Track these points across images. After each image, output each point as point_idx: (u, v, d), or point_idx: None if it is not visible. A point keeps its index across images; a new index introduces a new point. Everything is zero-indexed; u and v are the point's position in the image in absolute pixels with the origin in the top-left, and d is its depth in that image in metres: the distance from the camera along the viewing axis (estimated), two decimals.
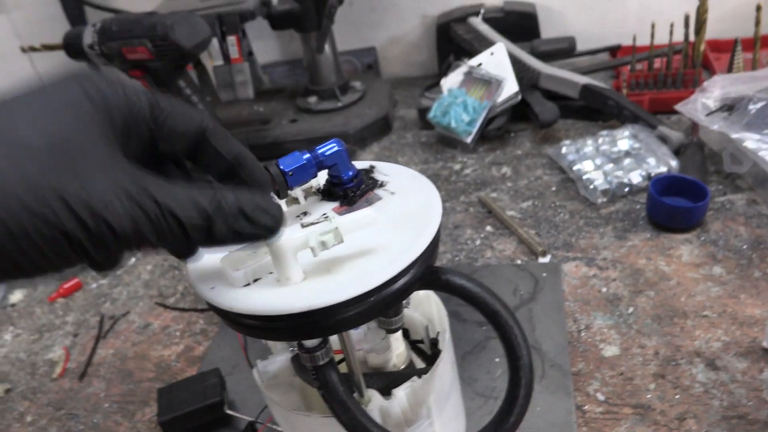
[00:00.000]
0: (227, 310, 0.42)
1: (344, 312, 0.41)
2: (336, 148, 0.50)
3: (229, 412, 0.74)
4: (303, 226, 0.44)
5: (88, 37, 1.05)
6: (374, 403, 0.50)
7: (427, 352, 0.60)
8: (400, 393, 0.50)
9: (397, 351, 0.56)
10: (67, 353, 0.92)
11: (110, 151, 0.32)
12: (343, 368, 0.51)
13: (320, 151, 0.50)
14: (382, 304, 0.43)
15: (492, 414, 0.56)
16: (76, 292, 1.05)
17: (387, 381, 0.52)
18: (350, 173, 0.52)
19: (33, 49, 1.25)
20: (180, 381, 0.78)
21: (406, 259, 0.42)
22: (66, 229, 0.29)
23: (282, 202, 0.51)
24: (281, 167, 0.48)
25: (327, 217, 0.44)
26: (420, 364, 0.59)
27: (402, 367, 0.57)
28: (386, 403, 0.50)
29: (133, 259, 1.10)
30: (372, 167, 0.55)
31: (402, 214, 0.47)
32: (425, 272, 0.45)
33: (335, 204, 0.52)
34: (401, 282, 0.43)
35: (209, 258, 0.47)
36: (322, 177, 0.53)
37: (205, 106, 1.10)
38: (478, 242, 0.97)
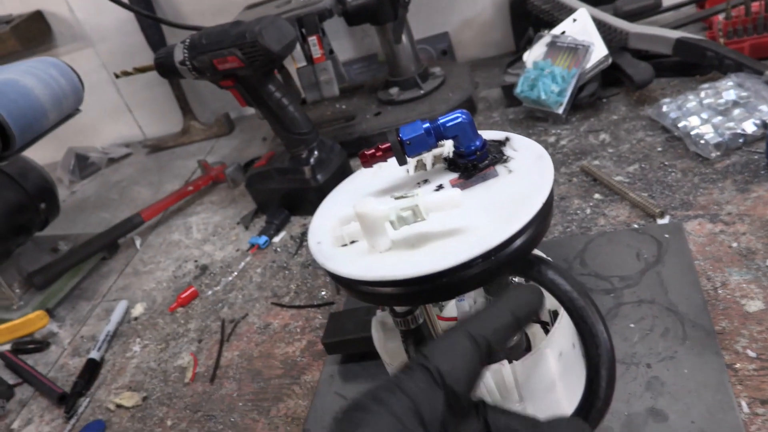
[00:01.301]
0: (320, 263, 0.47)
1: (416, 286, 0.42)
2: (460, 119, 0.50)
3: None
4: (395, 199, 0.45)
5: (179, 54, 1.09)
6: None
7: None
8: (485, 373, 0.49)
9: None
10: (195, 359, 0.96)
11: None
12: None
13: (442, 122, 0.50)
14: (458, 285, 0.43)
15: (636, 380, 0.54)
16: (194, 301, 1.09)
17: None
18: (474, 146, 0.51)
19: (126, 73, 1.30)
20: (349, 310, 0.84)
21: (485, 244, 0.42)
22: None
23: (411, 166, 0.53)
24: (400, 136, 0.49)
25: (420, 192, 0.45)
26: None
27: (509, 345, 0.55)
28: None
29: (242, 264, 1.13)
30: (507, 139, 0.54)
31: (507, 198, 0.46)
32: (514, 259, 0.44)
33: (455, 175, 0.52)
34: (476, 268, 0.42)
35: (328, 215, 0.52)
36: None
37: (295, 108, 1.11)
38: (588, 211, 0.94)
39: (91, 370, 1.00)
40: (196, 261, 1.21)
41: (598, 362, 0.45)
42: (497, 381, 0.49)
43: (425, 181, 0.52)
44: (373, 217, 0.43)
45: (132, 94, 1.84)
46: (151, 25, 1.62)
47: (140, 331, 1.07)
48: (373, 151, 0.51)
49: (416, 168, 0.53)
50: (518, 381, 0.50)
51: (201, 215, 1.37)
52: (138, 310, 1.12)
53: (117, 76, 1.37)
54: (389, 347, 0.58)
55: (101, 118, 1.87)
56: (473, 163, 0.52)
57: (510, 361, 0.49)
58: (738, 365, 0.65)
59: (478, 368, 0.35)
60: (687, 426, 0.61)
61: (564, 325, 0.53)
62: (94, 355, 1.02)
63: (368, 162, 0.51)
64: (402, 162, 0.51)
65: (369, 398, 0.33)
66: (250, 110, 1.71)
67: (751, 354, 0.66)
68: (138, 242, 1.34)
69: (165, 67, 1.13)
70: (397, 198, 0.44)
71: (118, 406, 0.92)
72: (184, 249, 1.26)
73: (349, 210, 0.47)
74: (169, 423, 0.87)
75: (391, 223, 0.43)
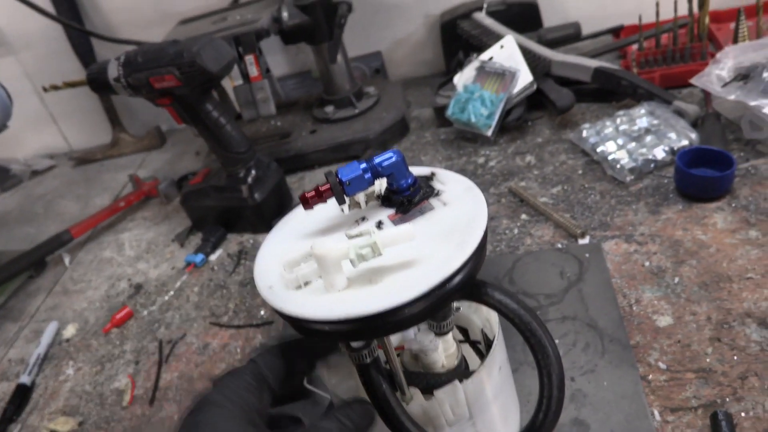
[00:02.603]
0: (277, 309, 0.47)
1: (379, 321, 0.44)
2: (394, 158, 0.53)
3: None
4: (348, 237, 0.47)
5: (113, 70, 1.08)
6: (416, 401, 0.53)
7: (483, 353, 0.62)
8: (440, 395, 0.53)
9: (448, 352, 0.58)
10: (133, 381, 0.95)
11: None
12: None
13: (378, 161, 0.52)
14: (417, 315, 0.45)
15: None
16: (129, 321, 1.08)
17: (429, 381, 0.55)
18: (407, 182, 0.54)
19: (55, 87, 1.27)
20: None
21: (443, 272, 0.45)
22: None
23: (345, 206, 0.54)
24: (339, 177, 0.51)
25: (374, 229, 0.48)
26: (476, 363, 0.61)
27: (452, 366, 0.58)
28: (427, 403, 0.53)
29: (178, 282, 1.13)
30: (432, 174, 0.57)
31: (449, 227, 0.50)
32: (465, 285, 0.47)
33: (392, 211, 0.55)
34: (435, 295, 0.45)
35: (272, 258, 0.52)
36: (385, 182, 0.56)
37: (233, 127, 1.12)
38: (516, 231, 1.00)
39: (22, 395, 0.98)
40: (129, 279, 1.19)
41: (549, 370, 0.49)
42: (451, 402, 0.53)
43: (363, 219, 0.54)
44: (333, 256, 0.44)
45: (57, 104, 1.79)
46: (79, 35, 1.58)
47: (73, 354, 1.05)
48: (313, 193, 0.51)
49: (351, 207, 0.55)
50: (468, 399, 0.54)
51: (133, 231, 1.35)
52: (70, 331, 1.10)
53: (45, 90, 1.33)
54: (343, 387, 0.61)
55: (23, 129, 1.80)
56: (408, 199, 0.55)
57: (461, 381, 0.53)
58: (651, 376, 0.72)
59: None
60: None
61: (500, 342, 0.58)
62: (24, 379, 1.00)
63: (309, 204, 0.52)
64: (341, 202, 0.52)
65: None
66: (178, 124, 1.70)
67: (662, 366, 0.73)
68: (67, 260, 1.31)
69: (98, 83, 1.11)
70: (351, 237, 0.46)
71: (53, 431, 0.91)
72: (116, 267, 1.25)
73: (294, 252, 0.49)
74: None
75: (351, 261, 0.45)
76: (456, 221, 0.50)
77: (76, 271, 1.27)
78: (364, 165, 0.52)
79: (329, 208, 0.55)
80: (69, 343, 1.08)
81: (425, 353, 0.56)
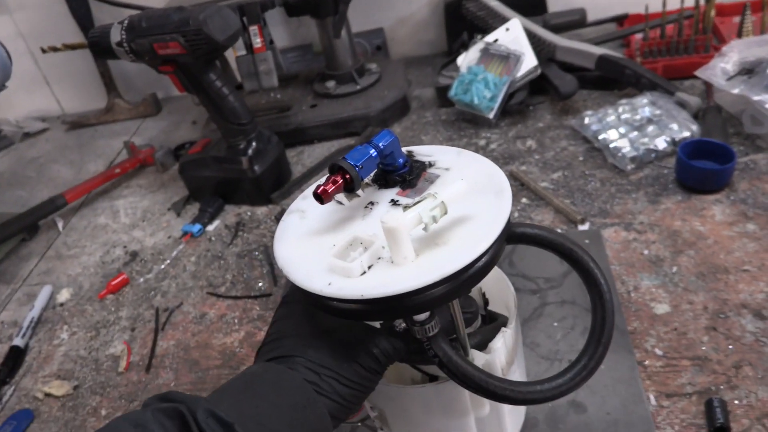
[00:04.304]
0: (356, 299, 0.44)
1: (469, 273, 0.45)
2: (390, 137, 0.53)
3: None
4: (405, 208, 0.47)
5: (116, 35, 1.06)
6: (478, 359, 0.55)
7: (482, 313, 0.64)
8: (498, 344, 0.56)
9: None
10: (129, 347, 0.95)
11: None
12: None
13: (380, 143, 0.52)
14: (492, 261, 0.47)
15: None
16: (125, 288, 1.08)
17: (478, 338, 0.57)
18: (402, 159, 0.55)
19: (54, 49, 1.25)
20: None
21: (501, 218, 0.47)
22: None
23: (343, 198, 0.53)
24: (351, 162, 0.50)
25: (435, 191, 0.47)
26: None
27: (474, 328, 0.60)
28: (489, 356, 0.55)
29: (175, 252, 1.13)
30: (411, 152, 0.58)
31: (471, 184, 0.50)
32: (511, 227, 0.50)
33: (396, 189, 0.54)
34: (500, 239, 0.47)
35: (303, 262, 0.49)
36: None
37: (235, 98, 1.11)
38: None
39: (15, 357, 0.97)
40: (125, 247, 1.19)
41: (596, 281, 0.52)
42: (502, 351, 0.56)
43: (371, 203, 0.53)
44: (406, 225, 0.44)
45: (51, 66, 1.76)
46: None
47: (67, 318, 1.05)
48: (331, 185, 0.49)
49: (349, 198, 0.53)
50: (510, 346, 0.58)
51: (128, 199, 1.34)
52: (64, 295, 1.09)
53: (44, 51, 1.31)
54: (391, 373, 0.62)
55: (15, 90, 1.76)
56: (409, 174, 0.54)
57: (484, 348, 0.56)
58: (647, 362, 0.73)
59: None
60: (603, 417, 0.68)
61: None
62: (18, 341, 0.99)
63: (329, 196, 0.49)
64: (359, 187, 0.51)
65: None
66: (179, 92, 1.68)
67: (659, 352, 0.74)
68: (60, 224, 1.30)
69: (99, 47, 1.09)
70: (408, 207, 0.46)
71: (47, 395, 0.91)
72: (111, 234, 1.24)
73: (327, 249, 0.48)
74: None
75: (425, 225, 0.45)
76: (474, 178, 0.51)
77: (69, 237, 1.26)
78: (371, 149, 0.51)
79: (323, 207, 0.53)
80: (63, 307, 1.08)
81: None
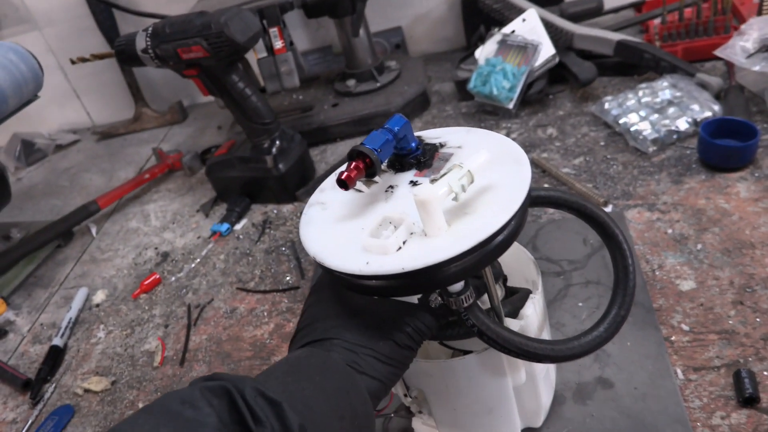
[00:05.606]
0: (397, 273, 0.45)
1: (497, 240, 0.47)
2: (403, 121, 0.54)
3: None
4: (433, 181, 0.48)
5: (141, 42, 1.09)
6: (513, 326, 0.56)
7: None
8: (529, 311, 0.57)
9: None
10: (163, 343, 0.98)
11: None
12: None
13: (394, 127, 0.53)
14: (520, 227, 0.49)
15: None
16: (157, 287, 1.11)
17: (509, 308, 0.58)
18: (415, 141, 0.56)
19: (83, 59, 1.29)
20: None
21: (524, 185, 0.48)
22: None
23: (362, 186, 0.54)
24: (370, 147, 0.51)
25: (461, 161, 0.48)
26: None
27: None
28: (523, 321, 0.57)
29: (204, 251, 1.15)
30: (419, 137, 0.59)
31: (488, 156, 0.51)
32: (532, 191, 0.52)
33: (413, 171, 0.56)
34: (525, 203, 0.49)
35: (335, 247, 0.50)
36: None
37: (258, 98, 1.14)
38: None
39: (55, 356, 1.01)
40: (156, 248, 1.22)
41: (614, 228, 0.54)
42: (534, 317, 0.58)
43: (391, 187, 0.54)
44: (438, 196, 0.45)
45: (80, 79, 1.81)
46: (103, 10, 1.60)
47: (103, 318, 1.08)
48: (353, 170, 0.50)
49: (368, 185, 0.54)
50: (540, 312, 0.60)
51: (158, 203, 1.37)
52: (99, 297, 1.13)
53: (73, 62, 1.35)
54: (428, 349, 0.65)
55: (47, 104, 1.82)
56: (423, 156, 0.56)
57: (516, 316, 0.58)
58: (674, 338, 0.73)
59: None
60: (631, 392, 0.68)
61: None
62: (57, 341, 1.03)
63: (352, 181, 0.50)
64: (379, 171, 0.53)
65: None
66: (204, 98, 1.71)
67: (685, 328, 0.74)
68: (94, 230, 1.34)
69: (126, 55, 1.13)
70: (436, 180, 0.47)
71: (87, 390, 0.93)
72: (143, 236, 1.27)
73: (354, 233, 0.49)
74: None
75: (455, 195, 0.46)
76: (490, 150, 0.52)
77: (103, 241, 1.30)
78: (386, 133, 0.53)
79: (343, 196, 0.55)
80: (99, 308, 1.11)
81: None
